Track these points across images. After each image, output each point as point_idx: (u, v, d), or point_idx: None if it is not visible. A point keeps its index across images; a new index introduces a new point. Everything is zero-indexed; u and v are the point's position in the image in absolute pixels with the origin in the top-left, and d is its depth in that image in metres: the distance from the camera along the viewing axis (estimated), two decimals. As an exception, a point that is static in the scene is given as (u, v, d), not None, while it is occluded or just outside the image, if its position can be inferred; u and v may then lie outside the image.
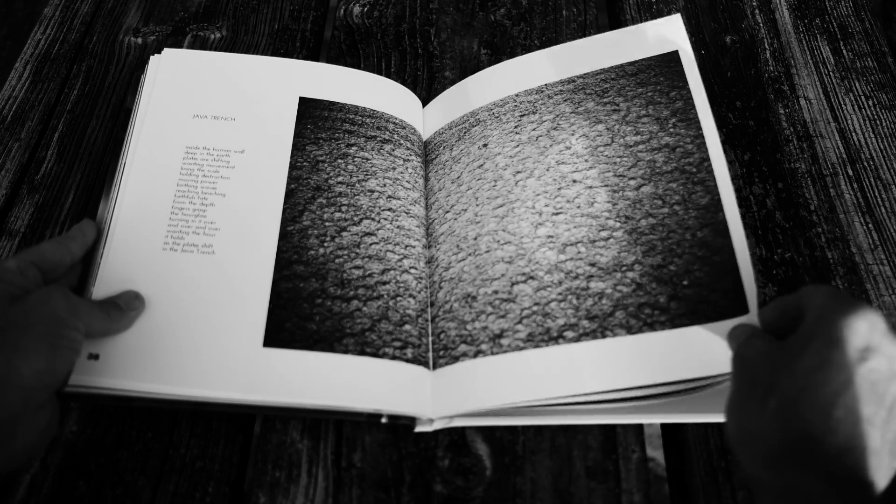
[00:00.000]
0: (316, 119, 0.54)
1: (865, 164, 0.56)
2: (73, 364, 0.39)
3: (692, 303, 0.42)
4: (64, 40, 0.65)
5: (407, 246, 0.50)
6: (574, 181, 0.49)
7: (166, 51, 0.55)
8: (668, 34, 0.53)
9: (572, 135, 0.51)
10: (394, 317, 0.46)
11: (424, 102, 0.60)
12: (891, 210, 0.53)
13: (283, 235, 0.48)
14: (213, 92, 0.54)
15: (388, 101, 0.57)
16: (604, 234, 0.46)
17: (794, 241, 0.52)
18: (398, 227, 0.50)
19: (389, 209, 0.51)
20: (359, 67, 0.63)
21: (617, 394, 0.41)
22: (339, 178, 0.52)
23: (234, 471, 0.44)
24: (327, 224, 0.49)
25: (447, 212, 0.52)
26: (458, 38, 0.66)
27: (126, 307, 0.43)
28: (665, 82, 0.51)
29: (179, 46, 0.64)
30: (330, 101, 0.55)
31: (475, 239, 0.49)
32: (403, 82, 0.61)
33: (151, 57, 0.55)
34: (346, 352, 0.44)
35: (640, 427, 0.45)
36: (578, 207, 0.48)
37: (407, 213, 0.51)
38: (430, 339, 0.47)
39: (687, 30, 0.65)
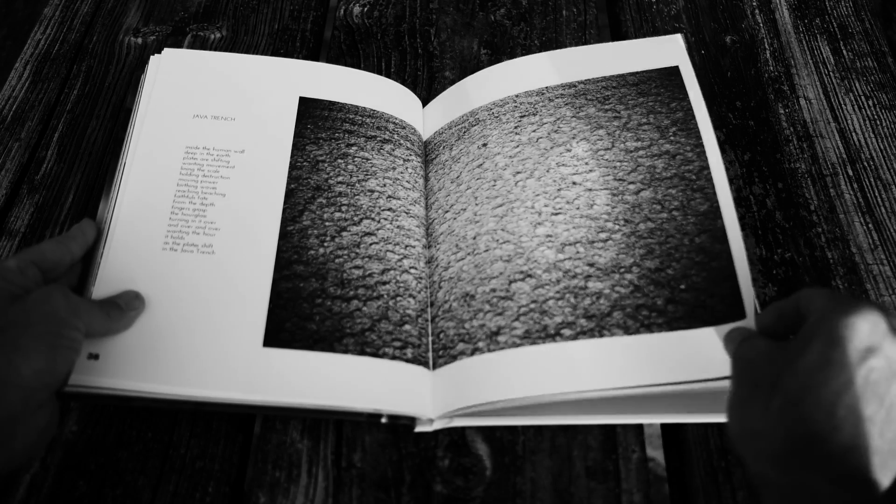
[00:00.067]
0: (316, 119, 0.54)
1: (865, 164, 0.56)
2: (73, 364, 0.39)
3: (689, 307, 0.42)
4: (64, 40, 0.65)
5: (407, 246, 0.50)
6: (574, 183, 0.49)
7: (166, 51, 0.55)
8: (669, 51, 0.54)
9: (573, 138, 0.51)
10: (394, 317, 0.46)
11: (424, 102, 0.60)
12: (891, 210, 0.53)
13: (283, 235, 0.48)
14: (213, 92, 0.54)
15: (388, 101, 0.57)
16: (602, 235, 0.46)
17: (794, 241, 0.52)
18: (398, 227, 0.50)
19: (389, 209, 0.51)
20: (359, 67, 0.63)
21: (614, 391, 0.41)
22: (339, 178, 0.52)
23: (234, 471, 0.44)
24: (327, 224, 0.49)
25: (447, 211, 0.52)
26: (458, 38, 0.66)
27: (126, 307, 0.43)
28: (666, 94, 0.52)
29: (179, 46, 0.64)
30: (330, 101, 0.55)
31: (474, 238, 0.49)
32: (403, 82, 0.61)
33: (151, 57, 0.55)
34: (346, 352, 0.44)
35: (640, 427, 0.45)
36: (578, 209, 0.48)
37: (407, 213, 0.51)
38: (430, 338, 0.47)
39: (687, 30, 0.65)
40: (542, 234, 0.47)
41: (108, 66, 0.63)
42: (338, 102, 0.55)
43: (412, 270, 0.49)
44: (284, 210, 0.49)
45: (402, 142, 0.55)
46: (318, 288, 0.46)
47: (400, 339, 0.46)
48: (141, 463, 0.44)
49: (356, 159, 0.53)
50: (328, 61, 0.64)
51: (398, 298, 0.47)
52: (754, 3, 0.67)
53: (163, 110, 0.53)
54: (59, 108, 0.60)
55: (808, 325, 0.33)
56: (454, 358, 0.45)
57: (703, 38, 0.64)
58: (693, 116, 0.50)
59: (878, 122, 0.58)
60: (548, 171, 0.50)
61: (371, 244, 0.49)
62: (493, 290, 0.46)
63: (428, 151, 0.56)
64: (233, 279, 0.46)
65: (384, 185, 0.52)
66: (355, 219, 0.50)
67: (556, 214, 0.48)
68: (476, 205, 0.51)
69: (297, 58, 0.63)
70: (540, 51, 0.63)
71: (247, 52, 0.64)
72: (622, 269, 0.45)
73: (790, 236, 0.53)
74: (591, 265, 0.45)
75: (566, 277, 0.45)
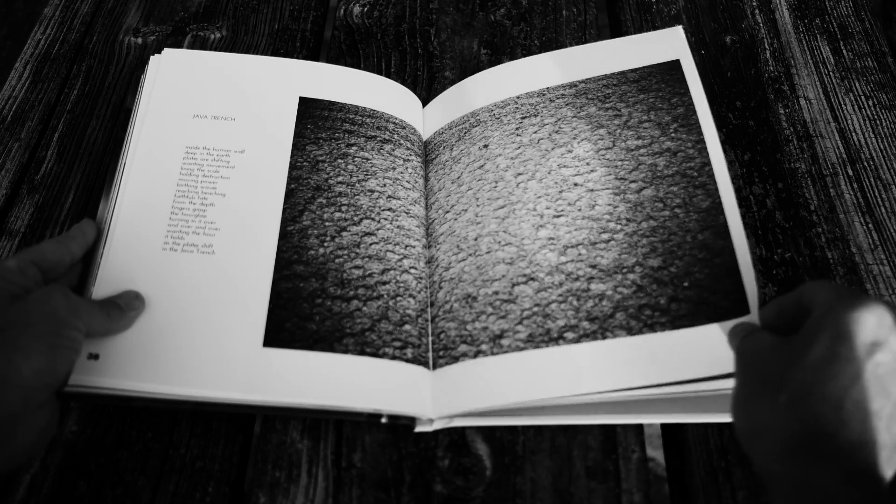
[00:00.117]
0: (316, 119, 0.54)
1: (865, 164, 0.56)
2: (73, 364, 0.39)
3: (693, 304, 0.42)
4: (64, 40, 0.65)
5: (407, 246, 0.50)
6: (575, 184, 0.49)
7: (166, 51, 0.55)
8: (669, 44, 0.53)
9: (574, 138, 0.51)
10: (394, 317, 0.46)
11: (424, 102, 0.60)
12: (891, 210, 0.53)
13: (283, 235, 0.48)
14: (213, 92, 0.54)
15: (388, 101, 0.57)
16: (605, 236, 0.46)
17: (794, 241, 0.52)
18: (398, 227, 0.50)
19: (389, 209, 0.51)
20: (359, 67, 0.63)
21: (618, 394, 0.41)
22: (339, 178, 0.52)
23: (234, 471, 0.44)
24: (327, 224, 0.49)
25: (447, 212, 0.52)
26: (458, 38, 0.66)
27: (126, 307, 0.43)
28: (667, 89, 0.51)
29: (179, 46, 0.64)
30: (330, 101, 0.55)
31: (476, 239, 0.49)
32: (403, 82, 0.61)
33: (151, 57, 0.55)
34: (346, 352, 0.44)
35: (640, 427, 0.45)
36: (580, 210, 0.48)
37: (407, 213, 0.51)
38: (430, 339, 0.47)
39: (687, 30, 0.65)
40: (544, 237, 0.47)
41: (108, 66, 0.63)
42: (338, 102, 0.55)
43: (412, 270, 0.49)
44: (284, 210, 0.49)
45: (402, 142, 0.55)
46: (318, 288, 0.46)
47: (400, 339, 0.46)
48: (141, 463, 0.44)
49: (356, 159, 0.53)
50: (328, 61, 0.64)
51: (398, 298, 0.47)
52: (754, 3, 0.67)
53: (163, 110, 0.53)
54: (59, 108, 0.60)
55: (812, 319, 0.33)
56: (456, 359, 0.45)
57: (703, 38, 0.64)
58: (694, 112, 0.49)
59: (878, 122, 0.58)
60: (549, 173, 0.50)
61: (371, 244, 0.49)
62: (496, 293, 0.46)
63: (428, 151, 0.56)
64: (233, 279, 0.46)
65: (384, 185, 0.52)
66: (355, 219, 0.50)
67: (558, 217, 0.48)
68: (477, 206, 0.51)
69: (297, 58, 0.63)
70: (540, 51, 0.63)
71: (247, 52, 0.64)
72: (625, 270, 0.45)
73: (790, 236, 0.53)
74: (594, 267, 0.45)
75: (568, 280, 0.45)
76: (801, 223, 0.53)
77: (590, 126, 0.51)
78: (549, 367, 0.43)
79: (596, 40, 0.65)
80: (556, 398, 0.41)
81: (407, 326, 0.46)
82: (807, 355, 0.32)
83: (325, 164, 0.52)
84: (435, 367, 0.46)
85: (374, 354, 0.44)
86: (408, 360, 0.45)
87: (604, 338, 0.43)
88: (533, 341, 0.44)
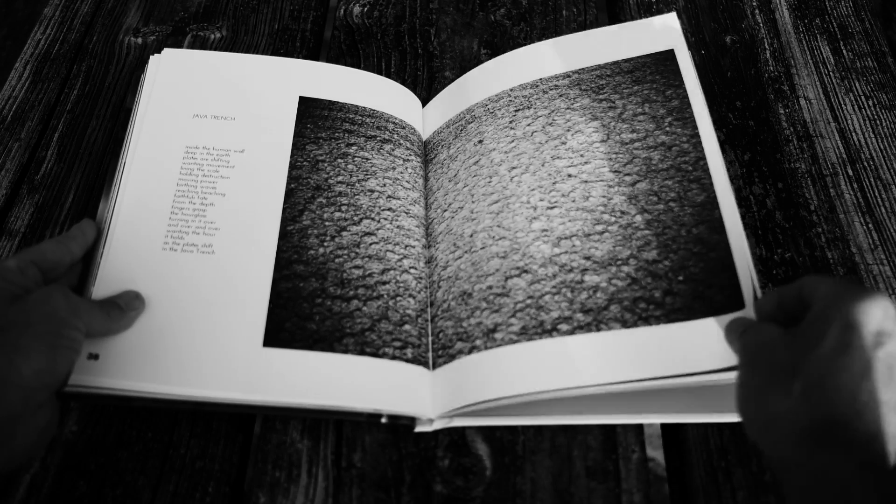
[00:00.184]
0: (316, 119, 0.54)
1: (865, 164, 0.56)
2: (73, 364, 0.39)
3: (687, 298, 0.42)
4: (64, 40, 0.65)
5: (407, 246, 0.50)
6: (569, 175, 0.49)
7: (166, 51, 0.55)
8: (664, 32, 0.53)
9: (568, 131, 0.51)
10: (394, 317, 0.46)
11: (424, 102, 0.60)
12: (891, 210, 0.53)
13: (283, 235, 0.48)
14: (213, 92, 0.54)
15: (387, 100, 0.57)
16: (599, 227, 0.46)
17: (794, 241, 0.52)
18: (398, 226, 0.50)
19: (389, 209, 0.51)
20: (359, 67, 0.63)
21: (613, 387, 0.41)
22: (339, 178, 0.52)
23: (234, 471, 0.44)
24: (327, 224, 0.49)
25: (445, 210, 0.52)
26: (458, 38, 0.66)
27: (126, 307, 0.43)
28: (661, 80, 0.51)
29: (179, 46, 0.64)
30: (330, 101, 0.55)
31: (471, 236, 0.49)
32: (403, 82, 0.61)
33: (151, 57, 0.55)
34: (345, 352, 0.44)
35: (640, 427, 0.45)
36: (573, 201, 0.48)
37: (407, 213, 0.51)
38: (430, 338, 0.47)
39: (687, 30, 0.65)
40: (537, 229, 0.47)
41: (108, 66, 0.63)
42: (338, 102, 0.55)
43: (412, 270, 0.49)
44: (284, 210, 0.49)
45: (401, 142, 0.55)
46: (318, 288, 0.46)
47: (400, 339, 0.46)
48: (141, 463, 0.44)
49: (356, 159, 0.53)
50: (328, 61, 0.64)
51: (398, 298, 0.47)
52: (754, 3, 0.67)
53: (163, 110, 0.53)
54: (59, 108, 0.60)
55: (818, 310, 0.33)
56: (453, 357, 0.45)
57: (703, 38, 0.64)
58: (689, 104, 0.49)
59: (878, 122, 0.58)
60: (543, 165, 0.50)
61: (371, 244, 0.49)
62: (490, 288, 0.46)
63: (427, 151, 0.56)
64: (233, 279, 0.46)
65: (384, 185, 0.52)
66: (355, 218, 0.50)
67: (552, 208, 0.48)
68: (472, 202, 0.51)
69: (297, 58, 0.63)
70: (540, 51, 0.63)
71: (247, 52, 0.64)
72: (619, 262, 0.44)
73: (790, 236, 0.53)
74: (588, 258, 0.45)
75: (562, 272, 0.45)
76: (801, 223, 0.53)
77: (584, 118, 0.51)
78: (543, 359, 0.42)
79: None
80: (550, 391, 0.41)
81: (407, 326, 0.46)
82: (819, 346, 0.32)
83: (325, 164, 0.52)
84: (434, 366, 0.46)
85: (374, 354, 0.44)
86: (408, 360, 0.45)
87: (598, 330, 0.42)
88: (526, 333, 0.43)
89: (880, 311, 0.32)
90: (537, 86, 0.54)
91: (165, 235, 0.47)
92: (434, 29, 0.67)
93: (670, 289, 0.43)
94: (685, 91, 0.50)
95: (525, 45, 0.65)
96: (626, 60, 0.53)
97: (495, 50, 0.65)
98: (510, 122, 0.53)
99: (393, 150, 0.54)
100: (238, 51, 0.64)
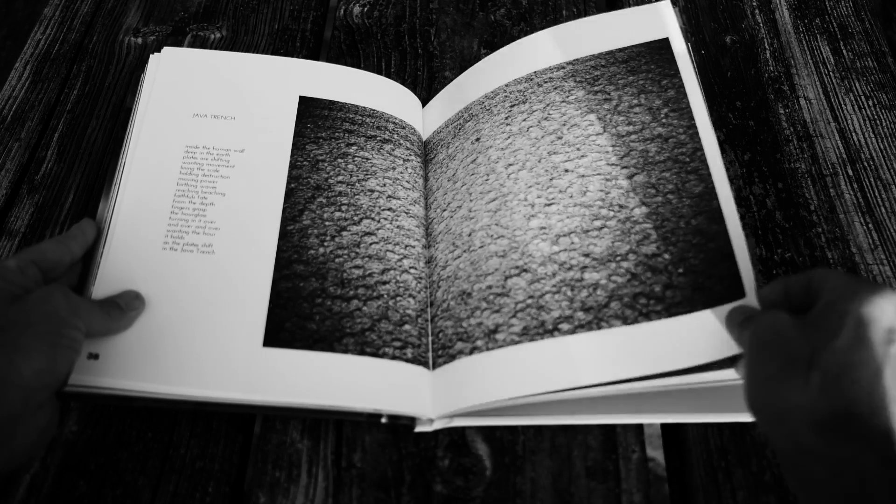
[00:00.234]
0: (316, 118, 0.54)
1: (865, 164, 0.56)
2: (73, 364, 0.39)
3: (688, 290, 0.42)
4: (64, 40, 0.65)
5: (407, 246, 0.50)
6: (566, 170, 0.48)
7: (166, 50, 0.55)
8: (658, 20, 0.52)
9: (563, 125, 0.50)
10: (394, 317, 0.46)
11: (424, 102, 0.60)
12: (891, 210, 0.53)
13: (283, 235, 0.48)
14: (213, 91, 0.54)
15: (387, 100, 0.57)
16: (597, 223, 0.46)
17: (794, 241, 0.52)
18: (398, 226, 0.50)
19: (389, 209, 0.51)
20: (359, 67, 0.62)
21: (614, 387, 0.41)
22: (339, 178, 0.52)
23: (234, 471, 0.44)
24: (327, 223, 0.49)
25: (444, 210, 0.52)
26: (458, 38, 0.66)
27: (126, 307, 0.43)
28: (656, 70, 0.50)
29: (179, 46, 0.64)
30: (330, 101, 0.55)
31: (469, 235, 0.49)
32: (403, 82, 0.61)
33: (151, 56, 0.55)
34: (346, 351, 0.44)
35: (640, 427, 0.45)
36: (571, 197, 0.47)
37: (407, 213, 0.51)
38: (430, 338, 0.47)
39: (687, 30, 0.65)
40: (535, 227, 0.47)
41: (108, 66, 0.63)
42: (338, 102, 0.55)
43: (412, 270, 0.49)
44: (284, 209, 0.49)
45: (401, 142, 0.55)
46: (318, 288, 0.46)
47: (400, 339, 0.46)
48: (141, 463, 0.44)
49: (356, 159, 0.53)
50: (328, 61, 0.64)
51: (398, 298, 0.47)
52: (754, 3, 0.67)
53: (163, 110, 0.53)
54: (59, 108, 0.60)
55: (829, 301, 0.33)
56: (453, 357, 0.45)
57: (703, 38, 0.64)
58: (685, 95, 0.48)
59: (878, 122, 0.58)
60: (539, 161, 0.49)
61: (371, 244, 0.49)
62: (490, 287, 0.46)
63: (427, 151, 0.56)
64: (233, 279, 0.46)
65: (384, 185, 0.52)
66: (355, 218, 0.50)
67: (550, 205, 0.47)
68: (471, 201, 0.50)
69: (297, 58, 0.63)
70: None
71: (247, 52, 0.64)
72: (618, 258, 0.44)
73: (790, 236, 0.53)
74: (587, 255, 0.45)
75: (562, 270, 0.45)
76: (801, 223, 0.53)
77: (579, 111, 0.51)
78: (544, 360, 0.42)
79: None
80: (553, 392, 0.41)
81: (407, 326, 0.46)
82: (836, 338, 0.32)
83: (325, 164, 0.52)
84: (434, 366, 0.46)
85: (374, 354, 0.44)
86: (408, 360, 0.45)
87: (599, 328, 0.42)
88: (528, 334, 0.43)
89: (892, 309, 0.32)
90: (532, 79, 0.54)
91: (165, 235, 0.47)
92: (434, 29, 0.67)
93: (670, 282, 0.42)
94: (681, 81, 0.49)
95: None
96: (620, 50, 0.52)
97: (495, 50, 0.65)
98: (506, 118, 0.53)
99: (393, 150, 0.54)
100: (238, 51, 0.64)
